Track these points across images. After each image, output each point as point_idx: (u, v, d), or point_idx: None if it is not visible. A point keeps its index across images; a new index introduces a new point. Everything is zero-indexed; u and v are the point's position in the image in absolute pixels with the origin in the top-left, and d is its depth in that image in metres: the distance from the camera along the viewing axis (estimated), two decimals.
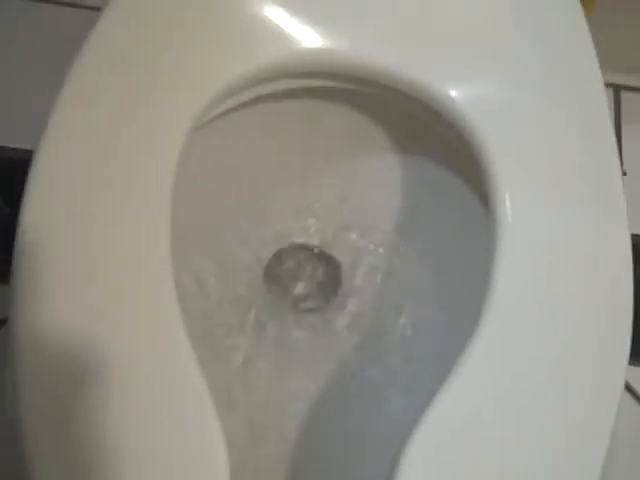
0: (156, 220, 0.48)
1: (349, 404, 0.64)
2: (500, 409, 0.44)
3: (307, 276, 0.72)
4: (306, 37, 0.56)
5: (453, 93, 0.54)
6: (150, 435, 0.41)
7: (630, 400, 0.77)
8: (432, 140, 0.63)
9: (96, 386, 0.41)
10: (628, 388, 0.77)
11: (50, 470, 0.40)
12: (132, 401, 0.42)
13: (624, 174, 0.75)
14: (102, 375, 0.41)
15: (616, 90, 0.97)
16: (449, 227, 0.69)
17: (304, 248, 0.73)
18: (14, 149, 0.85)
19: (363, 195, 0.73)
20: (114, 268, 0.45)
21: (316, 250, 0.73)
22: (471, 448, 0.43)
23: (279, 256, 0.73)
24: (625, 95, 0.97)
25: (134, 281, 0.45)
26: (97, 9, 0.55)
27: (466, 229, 0.67)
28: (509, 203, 0.50)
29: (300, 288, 0.72)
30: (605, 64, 0.56)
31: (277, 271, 0.72)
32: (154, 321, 0.44)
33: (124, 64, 0.53)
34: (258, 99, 0.60)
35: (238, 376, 0.65)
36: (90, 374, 0.41)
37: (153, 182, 0.50)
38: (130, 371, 0.42)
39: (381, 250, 0.73)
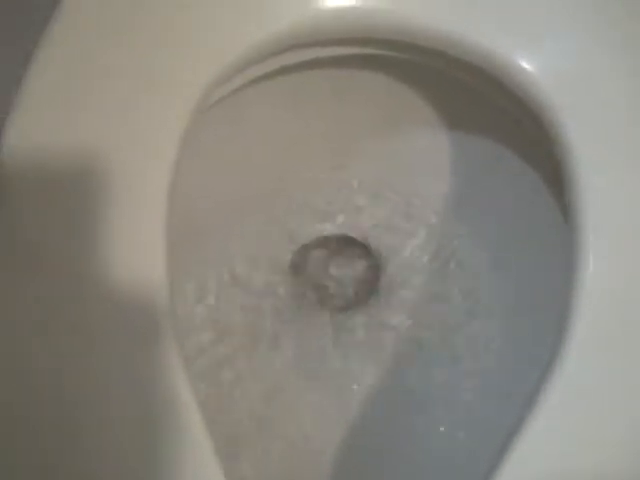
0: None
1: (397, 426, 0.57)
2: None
3: (342, 272, 0.63)
4: None
5: (524, 62, 0.43)
6: None
7: None
8: (492, 116, 0.53)
9: None
10: None
11: None
12: None
13: None
14: None
15: None
16: (510, 211, 0.61)
17: (337, 239, 0.64)
18: None
19: (408, 177, 0.64)
20: None
21: (353, 241, 0.64)
22: None
23: (308, 249, 0.63)
24: None
25: None
26: None
27: (530, 214, 0.58)
28: (593, 188, 0.42)
29: (333, 287, 0.63)
30: None
31: (306, 267, 0.63)
32: None
33: (122, 28, 0.43)
34: (280, 71, 0.50)
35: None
36: None
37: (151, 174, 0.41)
38: None
39: (428, 237, 0.64)
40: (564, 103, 0.43)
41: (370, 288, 0.63)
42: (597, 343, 0.38)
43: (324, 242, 0.64)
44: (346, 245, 0.64)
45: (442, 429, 0.56)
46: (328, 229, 0.64)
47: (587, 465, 0.37)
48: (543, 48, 0.44)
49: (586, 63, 0.44)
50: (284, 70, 0.50)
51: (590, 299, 0.39)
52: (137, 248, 0.39)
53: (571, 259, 0.40)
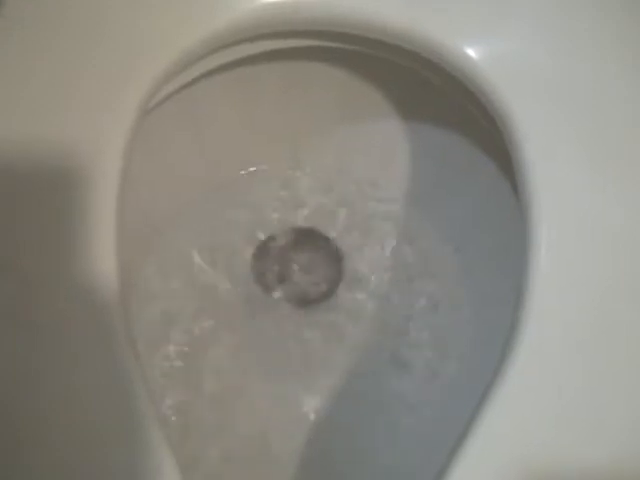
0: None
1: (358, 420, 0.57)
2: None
3: (303, 265, 0.63)
4: None
5: (471, 51, 0.43)
6: None
7: None
8: (443, 105, 0.53)
9: None
10: None
11: None
12: None
13: None
14: None
15: None
16: (471, 200, 0.61)
17: (297, 232, 0.64)
18: None
19: (363, 168, 0.64)
20: None
21: (312, 233, 0.63)
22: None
23: (269, 243, 0.63)
24: None
25: None
26: None
27: (488, 202, 0.59)
28: (541, 177, 0.42)
29: (295, 280, 0.62)
30: None
31: (267, 261, 0.62)
32: None
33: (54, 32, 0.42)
34: (235, 63, 0.49)
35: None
36: None
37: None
38: None
39: (389, 228, 0.64)
40: (510, 91, 0.43)
41: (332, 280, 0.62)
42: (550, 331, 0.39)
43: (284, 235, 0.63)
44: (306, 237, 0.63)
45: (408, 426, 0.57)
46: (287, 221, 0.64)
47: (546, 444, 0.37)
48: (489, 38, 0.44)
49: (531, 50, 0.44)
50: (238, 62, 0.49)
51: (542, 288, 0.39)
52: (89, 244, 0.38)
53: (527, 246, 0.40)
